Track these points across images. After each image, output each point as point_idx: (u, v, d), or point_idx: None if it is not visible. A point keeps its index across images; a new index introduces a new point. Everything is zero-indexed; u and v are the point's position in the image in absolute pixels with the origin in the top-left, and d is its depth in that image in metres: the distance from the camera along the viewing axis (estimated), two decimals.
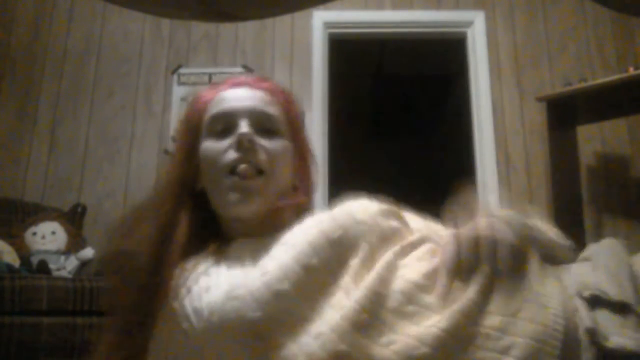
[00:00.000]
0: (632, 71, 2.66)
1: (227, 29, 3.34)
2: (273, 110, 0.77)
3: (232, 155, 0.71)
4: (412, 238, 0.67)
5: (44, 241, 2.46)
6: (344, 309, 0.58)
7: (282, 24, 3.35)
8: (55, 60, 3.31)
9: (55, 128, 3.22)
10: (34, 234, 2.48)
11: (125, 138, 3.21)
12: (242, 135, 0.71)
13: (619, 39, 3.29)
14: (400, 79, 5.26)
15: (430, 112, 5.87)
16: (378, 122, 6.15)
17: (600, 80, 2.73)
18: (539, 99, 2.90)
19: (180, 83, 3.27)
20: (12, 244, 2.34)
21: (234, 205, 0.71)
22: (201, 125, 0.77)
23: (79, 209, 2.82)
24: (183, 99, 3.24)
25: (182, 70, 3.29)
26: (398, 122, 6.11)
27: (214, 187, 0.73)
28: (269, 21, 3.30)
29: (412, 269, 0.61)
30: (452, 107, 5.50)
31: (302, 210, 0.77)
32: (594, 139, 3.16)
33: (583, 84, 2.76)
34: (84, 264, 2.46)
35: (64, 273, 2.35)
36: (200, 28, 3.35)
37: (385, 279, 0.60)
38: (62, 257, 2.44)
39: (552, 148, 2.77)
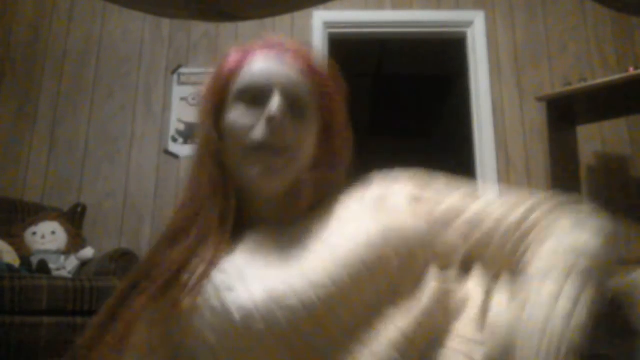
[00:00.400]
0: (632, 71, 2.66)
1: (227, 29, 3.34)
2: (305, 84, 0.73)
3: (259, 132, 0.68)
4: (449, 287, 0.63)
5: (44, 241, 2.47)
6: (395, 342, 0.56)
7: (282, 24, 3.35)
8: (55, 60, 3.31)
9: (55, 128, 3.22)
10: (34, 234, 2.49)
11: (125, 138, 3.21)
12: (274, 114, 0.67)
13: (619, 39, 3.29)
14: (400, 79, 5.26)
15: (430, 112, 5.87)
16: (378, 122, 6.15)
17: (600, 80, 2.73)
18: (539, 99, 2.90)
19: (180, 83, 3.28)
20: (12, 244, 2.34)
21: (255, 180, 0.69)
22: (228, 90, 0.73)
23: (79, 209, 2.82)
24: (183, 99, 3.25)
25: (182, 70, 3.30)
26: (398, 122, 6.11)
27: (237, 160, 0.70)
28: (269, 21, 3.30)
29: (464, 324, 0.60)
30: (452, 107, 5.50)
31: (324, 186, 0.75)
32: (594, 139, 3.16)
33: (583, 84, 2.76)
34: (84, 264, 2.46)
35: (64, 273, 2.35)
36: (200, 28, 3.35)
37: (436, 319, 0.59)
38: (62, 257, 2.44)
39: (552, 148, 2.77)
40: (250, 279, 0.61)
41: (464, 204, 0.69)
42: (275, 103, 0.68)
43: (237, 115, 0.70)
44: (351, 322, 0.57)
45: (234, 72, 0.73)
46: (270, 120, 0.67)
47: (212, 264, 0.65)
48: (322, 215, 0.69)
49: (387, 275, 0.60)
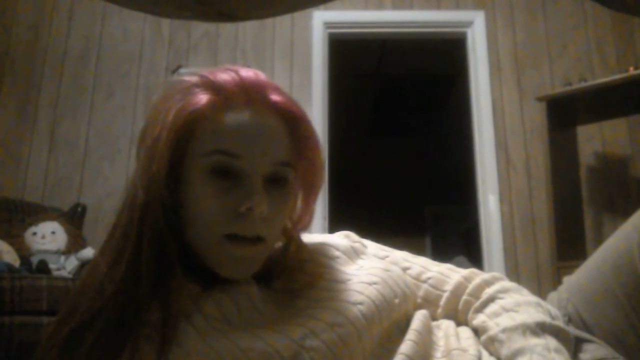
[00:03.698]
0: (632, 71, 2.66)
1: (227, 29, 3.35)
2: (289, 154, 0.63)
3: (233, 223, 0.60)
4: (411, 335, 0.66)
5: (44, 241, 2.46)
6: None
7: (282, 24, 3.35)
8: (55, 60, 3.31)
9: (55, 128, 3.22)
10: (34, 234, 2.48)
11: (125, 138, 3.21)
12: (257, 209, 0.59)
13: (619, 39, 3.29)
14: (401, 79, 5.26)
15: (430, 112, 5.88)
16: (378, 122, 6.15)
17: (600, 80, 2.73)
18: (539, 99, 2.90)
19: None
20: (12, 244, 2.34)
21: (222, 269, 0.61)
22: (193, 139, 0.61)
23: (79, 209, 2.82)
24: None
25: (182, 70, 3.29)
26: (398, 122, 6.11)
27: (201, 240, 0.62)
28: (269, 21, 3.30)
29: None
30: (452, 107, 5.50)
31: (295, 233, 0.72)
32: (594, 139, 3.17)
33: (583, 84, 2.77)
34: (84, 264, 2.46)
35: (64, 273, 2.35)
36: (200, 28, 3.35)
37: None
38: (62, 257, 2.44)
39: (552, 148, 2.78)
40: (253, 328, 0.57)
41: (425, 266, 0.75)
42: (256, 198, 0.59)
43: (205, 191, 0.60)
44: (362, 357, 0.58)
45: (202, 118, 0.61)
46: (249, 214, 0.59)
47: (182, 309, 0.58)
48: (313, 281, 0.65)
49: (391, 312, 0.63)
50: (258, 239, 0.61)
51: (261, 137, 0.61)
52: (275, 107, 0.64)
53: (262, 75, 0.65)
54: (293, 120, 0.65)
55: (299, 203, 0.70)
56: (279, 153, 0.62)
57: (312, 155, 0.67)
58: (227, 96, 0.62)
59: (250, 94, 0.63)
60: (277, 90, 0.65)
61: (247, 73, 0.64)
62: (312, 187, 0.70)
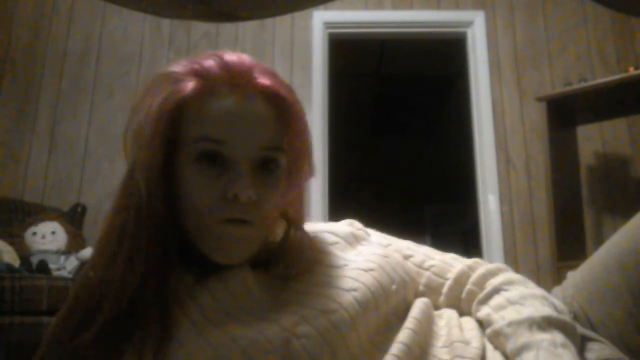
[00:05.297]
0: (632, 71, 2.66)
1: (227, 29, 3.35)
2: (278, 137, 0.63)
3: (224, 209, 0.59)
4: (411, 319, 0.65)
5: (44, 241, 2.46)
6: None
7: (282, 24, 3.35)
8: (55, 60, 3.31)
9: (55, 128, 3.22)
10: (34, 234, 2.48)
11: None
12: (243, 196, 0.58)
13: (619, 39, 3.29)
14: (400, 79, 5.26)
15: (430, 112, 5.88)
16: (378, 122, 6.16)
17: (600, 80, 2.73)
18: (539, 99, 2.90)
19: None
20: (12, 244, 2.34)
21: (217, 254, 0.61)
22: (181, 125, 0.60)
23: (79, 209, 2.82)
24: None
25: None
26: (398, 122, 6.11)
27: (196, 228, 0.61)
28: (269, 21, 3.30)
29: None
30: (452, 107, 5.51)
31: (292, 220, 0.70)
32: (594, 139, 3.17)
33: (583, 84, 2.77)
34: (84, 263, 2.46)
35: (64, 273, 2.35)
36: (200, 28, 3.35)
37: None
38: (62, 257, 2.44)
39: (552, 148, 2.78)
40: (246, 316, 0.57)
41: (428, 254, 0.76)
42: (241, 184, 0.58)
43: (194, 179, 0.60)
44: (358, 345, 0.58)
45: (188, 105, 0.60)
46: (236, 200, 0.59)
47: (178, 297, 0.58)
48: (309, 267, 0.65)
49: (387, 299, 0.62)
50: (245, 222, 0.60)
51: (247, 122, 0.60)
52: (261, 91, 0.62)
53: (247, 59, 0.64)
54: (280, 103, 0.63)
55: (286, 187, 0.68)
56: (267, 137, 0.61)
57: (299, 137, 0.66)
58: (212, 82, 0.61)
59: (235, 79, 0.61)
60: (264, 72, 0.64)
61: (231, 57, 0.63)
62: (298, 171, 0.67)
